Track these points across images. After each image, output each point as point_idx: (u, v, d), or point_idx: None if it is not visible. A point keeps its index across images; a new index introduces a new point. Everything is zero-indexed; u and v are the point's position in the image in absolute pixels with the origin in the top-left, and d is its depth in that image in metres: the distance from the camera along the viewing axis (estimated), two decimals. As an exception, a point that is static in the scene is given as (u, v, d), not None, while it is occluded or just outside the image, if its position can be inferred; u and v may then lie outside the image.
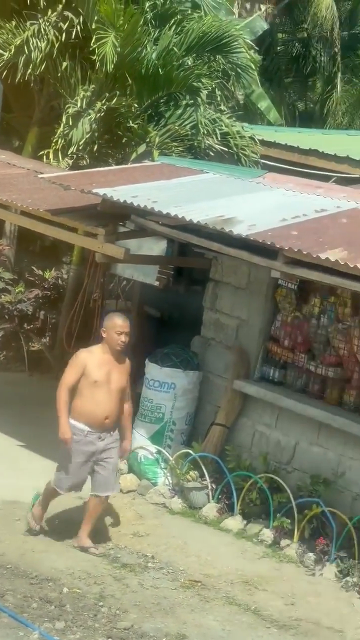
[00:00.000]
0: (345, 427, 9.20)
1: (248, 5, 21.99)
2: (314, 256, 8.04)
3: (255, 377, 10.04)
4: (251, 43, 13.65)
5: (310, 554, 8.85)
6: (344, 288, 8.73)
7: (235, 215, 8.77)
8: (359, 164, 12.55)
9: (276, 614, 7.95)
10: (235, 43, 12.90)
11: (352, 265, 7.83)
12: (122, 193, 9.37)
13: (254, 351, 10.05)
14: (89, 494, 8.66)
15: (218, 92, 13.04)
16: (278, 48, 22.42)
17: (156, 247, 11.44)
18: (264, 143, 13.53)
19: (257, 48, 14.09)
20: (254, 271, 9.90)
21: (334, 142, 14.12)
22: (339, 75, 21.01)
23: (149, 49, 12.33)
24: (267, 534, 9.19)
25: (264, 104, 19.69)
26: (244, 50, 13.09)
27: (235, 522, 9.42)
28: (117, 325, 8.50)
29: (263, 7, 21.60)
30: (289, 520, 9.14)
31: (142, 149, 12.14)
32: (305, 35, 22.04)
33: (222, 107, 13.18)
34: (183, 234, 9.44)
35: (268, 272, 9.38)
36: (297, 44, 22.49)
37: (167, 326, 12.17)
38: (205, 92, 12.53)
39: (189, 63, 12.65)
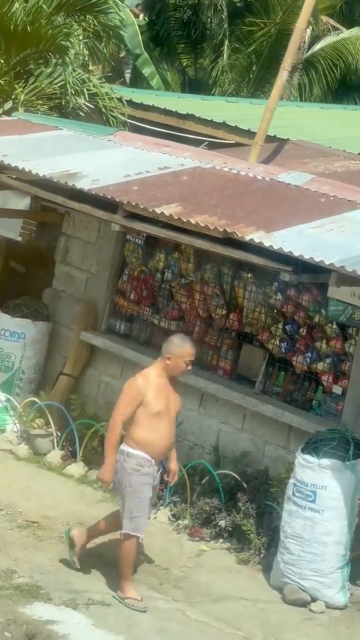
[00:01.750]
0: (184, 379, 9.50)
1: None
2: (150, 210, 8.32)
3: (102, 329, 10.33)
4: (121, 3, 13.66)
5: (146, 499, 9.21)
6: (187, 244, 9.01)
7: (80, 170, 8.98)
8: (234, 129, 12.62)
9: (106, 552, 8.28)
10: (105, 3, 12.99)
11: (185, 220, 8.13)
12: (-27, 146, 9.53)
13: (102, 304, 10.31)
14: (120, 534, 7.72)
15: (86, 52, 13.12)
16: (169, 13, 22.38)
17: (21, 203, 11.60)
18: (142, 107, 13.54)
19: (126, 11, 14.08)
20: (104, 226, 10.13)
21: (213, 108, 14.22)
22: (226, 42, 21.06)
23: (18, 5, 12.35)
24: (107, 480, 9.51)
25: (148, 70, 19.83)
26: (114, 11, 13.20)
27: (77, 468, 9.73)
28: (187, 354, 7.63)
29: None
30: (128, 467, 9.47)
31: (8, 105, 12.18)
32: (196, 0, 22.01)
33: (91, 68, 13.27)
34: (32, 188, 9.63)
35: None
36: (187, 10, 22.41)
37: (31, 281, 12.35)
38: (73, 51, 12.59)
39: (60, 21, 12.71)
